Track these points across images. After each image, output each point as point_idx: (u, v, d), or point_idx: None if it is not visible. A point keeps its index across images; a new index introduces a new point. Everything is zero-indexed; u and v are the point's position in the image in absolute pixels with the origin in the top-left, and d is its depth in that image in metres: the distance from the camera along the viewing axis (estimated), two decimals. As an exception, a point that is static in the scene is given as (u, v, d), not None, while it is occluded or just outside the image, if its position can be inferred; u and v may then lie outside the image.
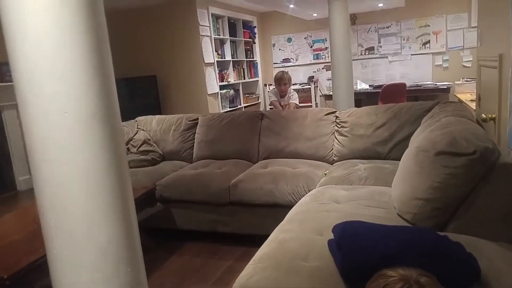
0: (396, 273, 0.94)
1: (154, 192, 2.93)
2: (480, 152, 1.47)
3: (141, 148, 3.52)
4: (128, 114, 4.15)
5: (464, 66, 6.42)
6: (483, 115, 2.00)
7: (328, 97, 7.01)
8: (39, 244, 1.54)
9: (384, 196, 1.97)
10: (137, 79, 5.78)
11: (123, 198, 1.44)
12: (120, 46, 5.84)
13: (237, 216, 2.75)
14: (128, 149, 3.51)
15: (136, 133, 3.69)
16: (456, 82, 5.88)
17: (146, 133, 3.71)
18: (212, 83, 5.98)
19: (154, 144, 3.62)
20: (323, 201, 2.02)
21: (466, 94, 4.64)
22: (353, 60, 5.55)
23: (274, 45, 8.05)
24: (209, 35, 5.94)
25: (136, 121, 3.91)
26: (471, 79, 5.53)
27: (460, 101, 4.11)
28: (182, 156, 3.54)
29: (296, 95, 4.33)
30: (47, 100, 1.27)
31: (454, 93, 5.52)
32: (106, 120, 1.36)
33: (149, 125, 3.78)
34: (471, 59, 6.28)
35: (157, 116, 3.89)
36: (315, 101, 7.26)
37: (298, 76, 7.64)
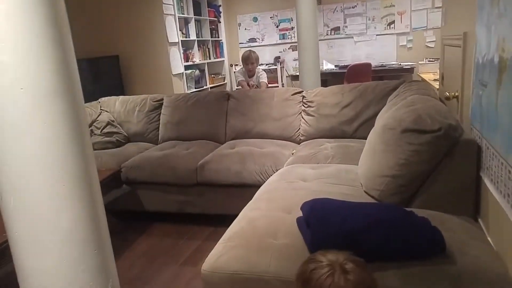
0: (324, 258, 0.94)
1: (120, 174, 2.84)
2: (444, 129, 1.50)
3: (105, 130, 3.38)
4: (91, 95, 3.96)
5: (428, 47, 6.57)
6: (447, 93, 2.05)
7: (295, 78, 7.02)
8: (1, 229, 1.47)
9: (350, 173, 1.99)
10: (100, 59, 5.51)
11: (87, 180, 1.38)
12: (81, 25, 5.54)
13: (205, 197, 2.71)
14: (91, 131, 3.37)
15: (100, 114, 3.53)
16: (420, 62, 6.02)
17: (110, 114, 3.56)
18: (177, 63, 5.81)
19: (118, 126, 3.48)
20: (290, 179, 2.01)
21: (429, 74, 4.77)
22: (319, 40, 5.54)
23: (239, 24, 7.89)
24: (173, 13, 5.72)
25: (99, 102, 3.73)
26: (434, 59, 5.68)
27: (424, 81, 4.22)
28: (147, 137, 3.43)
29: (264, 74, 4.28)
30: None
31: (418, 73, 5.67)
32: (66, 98, 1.29)
33: (113, 106, 3.62)
34: (435, 39, 6.43)
35: (121, 97, 3.73)
36: (282, 81, 7.24)
37: (264, 56, 7.56)
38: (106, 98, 3.77)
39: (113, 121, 3.48)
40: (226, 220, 1.74)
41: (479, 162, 1.52)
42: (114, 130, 3.42)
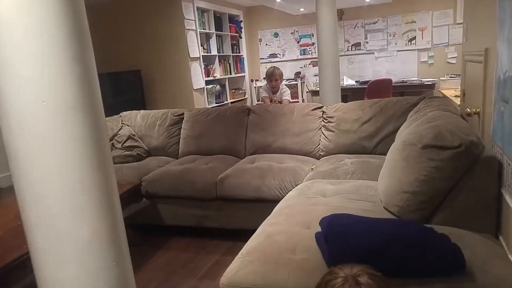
0: (341, 271, 0.96)
1: (140, 188, 2.91)
2: (465, 146, 1.50)
3: (126, 144, 3.49)
4: (112, 109, 4.10)
5: (449, 63, 6.53)
6: (468, 110, 2.05)
7: (315, 93, 7.05)
8: (23, 241, 1.49)
9: (370, 189, 1.99)
10: (122, 74, 5.70)
11: (107, 193, 1.42)
12: (104, 40, 5.75)
13: (224, 211, 2.75)
14: (112, 144, 3.47)
15: (121, 128, 3.64)
16: (441, 78, 5.97)
17: (131, 128, 3.67)
18: (198, 78, 5.94)
19: (139, 140, 3.58)
20: (310, 195, 2.03)
21: (451, 90, 4.72)
22: (340, 56, 5.59)
23: (260, 40, 8.03)
24: (195, 29, 5.88)
25: (121, 116, 3.86)
26: (455, 75, 5.63)
27: (445, 97, 4.19)
28: (167, 151, 3.51)
29: (288, 91, 4.34)
30: (22, 88, 1.22)
31: (439, 89, 5.61)
32: (87, 112, 1.33)
33: (134, 120, 3.73)
34: (456, 55, 6.39)
35: (142, 111, 3.85)
36: (302, 97, 7.28)
37: (285, 72, 7.62)
38: (128, 112, 3.89)
39: (134, 135, 3.58)
40: (244, 234, 1.77)
41: (500, 179, 1.51)
42: (135, 144, 3.52)
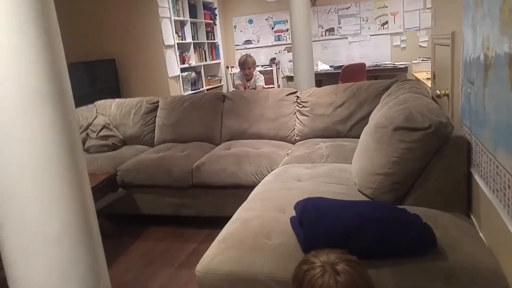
0: (317, 259, 0.94)
1: (116, 178, 2.82)
2: (435, 126, 1.50)
3: (101, 133, 3.37)
4: (87, 98, 3.95)
5: (421, 46, 6.59)
6: (437, 92, 2.05)
7: (290, 79, 7.02)
8: None
9: (344, 172, 1.98)
10: (96, 63, 5.49)
11: (77, 183, 1.37)
12: (78, 29, 5.52)
13: (200, 199, 2.70)
14: (87, 134, 3.36)
15: (95, 117, 3.52)
16: (413, 62, 6.04)
17: (106, 117, 3.54)
18: (173, 66, 5.80)
19: (114, 129, 3.47)
20: (285, 179, 2.01)
21: (423, 73, 4.78)
22: (314, 41, 5.55)
23: (235, 26, 7.89)
24: (169, 16, 5.72)
25: (95, 105, 3.72)
26: (427, 59, 5.69)
27: (417, 80, 4.23)
28: (143, 140, 3.42)
29: (262, 77, 4.29)
30: None
31: (411, 72, 5.67)
32: (56, 101, 1.28)
33: (109, 109, 3.61)
34: (427, 39, 6.45)
35: (116, 100, 3.72)
36: (277, 82, 7.24)
37: (260, 58, 7.56)
38: (102, 101, 3.75)
39: (109, 124, 3.46)
40: (222, 222, 1.73)
41: (469, 158, 1.52)
42: (110, 133, 3.41)
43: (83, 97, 4.07)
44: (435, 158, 1.53)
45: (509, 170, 1.06)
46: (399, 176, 1.57)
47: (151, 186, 2.76)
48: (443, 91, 2.01)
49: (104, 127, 3.42)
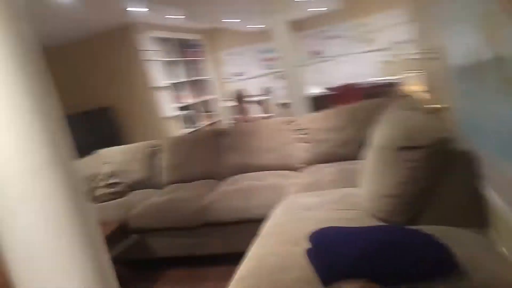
0: None
1: (127, 224, 2.80)
2: (438, 143, 1.49)
3: (108, 181, 3.38)
4: (89, 148, 3.96)
5: (410, 59, 6.64)
6: (435, 105, 2.06)
7: (285, 105, 7.08)
8: None
9: (354, 197, 1.96)
10: (93, 112, 5.57)
11: (90, 242, 1.37)
12: (71, 82, 5.64)
13: (213, 237, 2.66)
14: (95, 184, 3.36)
15: (101, 166, 3.53)
16: (405, 75, 6.08)
17: (111, 165, 3.56)
18: (169, 106, 5.87)
19: (120, 175, 3.47)
20: (295, 210, 1.98)
21: (416, 86, 4.81)
22: (304, 66, 5.64)
23: (225, 60, 8.05)
24: (159, 59, 5.83)
25: (99, 154, 3.74)
26: (418, 72, 5.74)
27: (411, 94, 4.26)
28: (150, 183, 3.41)
29: (257, 108, 4.34)
30: None
31: (405, 86, 5.71)
32: (59, 169, 1.29)
33: (113, 156, 3.62)
34: (415, 52, 6.51)
35: (120, 147, 3.74)
36: (273, 111, 7.30)
37: (253, 88, 7.67)
38: (105, 149, 3.77)
39: (114, 171, 3.47)
40: (237, 258, 1.71)
41: (478, 171, 1.50)
42: (117, 180, 3.41)
43: (85, 148, 4.10)
44: (444, 174, 1.51)
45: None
46: (409, 197, 1.55)
47: (163, 229, 2.74)
48: (441, 105, 2.02)
49: (110, 175, 3.43)
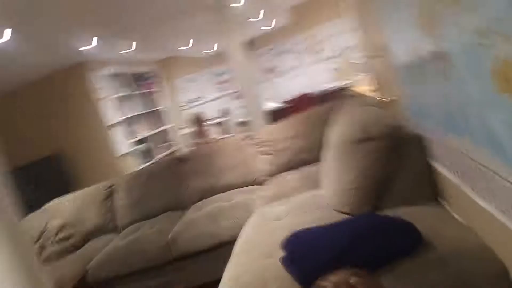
0: (328, 282, 0.97)
1: (86, 279, 2.67)
2: (389, 132, 1.63)
3: (59, 236, 3.22)
4: (37, 203, 3.75)
5: (358, 63, 7.04)
6: (384, 99, 2.21)
7: (244, 124, 7.20)
8: None
9: (319, 198, 2.04)
10: (40, 162, 5.32)
11: None
12: (16, 132, 5.41)
13: (187, 270, 2.63)
14: (42, 244, 3.18)
15: (47, 222, 3.36)
16: (354, 78, 6.42)
17: (61, 217, 3.38)
18: (124, 143, 5.76)
19: (72, 227, 3.30)
20: (264, 223, 2.02)
21: (365, 87, 5.07)
22: (259, 83, 5.84)
23: (179, 88, 8.13)
24: (110, 94, 5.74)
25: (45, 209, 3.54)
26: (366, 73, 6.08)
27: (361, 94, 4.47)
28: (108, 229, 3.29)
29: (214, 129, 4.39)
30: None
31: (354, 88, 6.02)
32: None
33: (62, 207, 3.46)
34: (359, 56, 6.92)
35: (68, 195, 3.58)
36: (232, 131, 7.39)
37: (211, 111, 7.76)
38: (52, 202, 3.59)
39: (66, 223, 3.31)
40: (217, 285, 1.69)
41: (428, 149, 1.63)
42: (69, 232, 3.26)
43: (32, 203, 3.89)
44: (399, 159, 1.63)
45: (464, 152, 1.16)
46: (370, 186, 1.65)
47: (129, 274, 2.66)
48: (390, 98, 2.17)
49: (60, 229, 3.26)
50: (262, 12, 6.00)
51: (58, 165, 5.52)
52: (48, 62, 4.93)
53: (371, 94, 3.76)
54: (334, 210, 1.79)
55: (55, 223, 3.31)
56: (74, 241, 3.20)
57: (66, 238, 3.20)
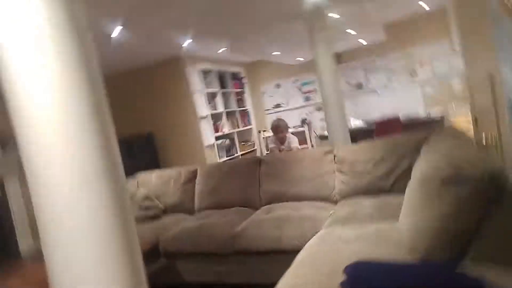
0: None
1: (158, 248, 2.86)
2: (487, 175, 1.43)
3: (143, 204, 3.48)
4: (127, 172, 4.10)
5: (455, 92, 6.47)
6: (483, 137, 2.00)
7: (323, 138, 7.07)
8: None
9: (392, 232, 1.89)
10: (135, 138, 5.85)
11: (131, 257, 1.43)
12: (117, 108, 5.98)
13: (243, 265, 2.65)
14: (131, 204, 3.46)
15: (137, 189, 3.66)
16: (448, 107, 5.92)
17: (146, 189, 3.67)
18: (208, 135, 6.06)
19: (155, 199, 3.57)
20: (331, 242, 1.95)
21: (461, 119, 4.66)
22: (344, 97, 5.66)
23: (263, 92, 8.24)
24: (201, 89, 6.10)
25: (136, 178, 3.88)
26: (463, 103, 5.58)
27: (456, 127, 4.12)
28: (183, 208, 3.48)
29: (295, 139, 4.39)
30: (52, 160, 1.32)
31: (449, 120, 5.56)
32: (110, 178, 1.38)
33: (149, 180, 3.75)
34: (459, 83, 6.34)
35: (156, 171, 3.88)
36: (311, 142, 7.31)
37: (291, 119, 7.74)
38: (142, 173, 3.91)
39: (149, 195, 3.57)
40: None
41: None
42: (151, 204, 3.50)
43: (125, 170, 4.26)
44: (493, 208, 1.44)
45: None
46: (453, 232, 1.48)
47: (193, 253, 2.77)
48: (490, 136, 1.96)
49: (145, 198, 3.53)
50: (356, 26, 5.82)
51: (152, 144, 6.01)
52: (153, 53, 5.39)
53: (470, 128, 3.44)
54: (407, 249, 1.66)
55: (142, 192, 3.57)
56: (154, 212, 3.42)
57: (148, 208, 3.44)
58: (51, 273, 1.36)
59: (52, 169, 1.31)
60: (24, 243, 4.95)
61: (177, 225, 3.04)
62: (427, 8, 5.98)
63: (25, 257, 4.84)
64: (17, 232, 4.92)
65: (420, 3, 5.61)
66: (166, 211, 3.52)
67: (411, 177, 2.06)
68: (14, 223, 4.92)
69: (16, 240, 4.91)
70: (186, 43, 5.07)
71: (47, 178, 1.31)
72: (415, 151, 2.62)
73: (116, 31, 3.93)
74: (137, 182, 3.78)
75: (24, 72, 1.30)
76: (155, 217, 3.39)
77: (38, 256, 1.49)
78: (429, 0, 5.55)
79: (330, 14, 4.83)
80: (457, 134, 2.25)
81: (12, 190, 4.93)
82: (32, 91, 1.30)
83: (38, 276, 2.28)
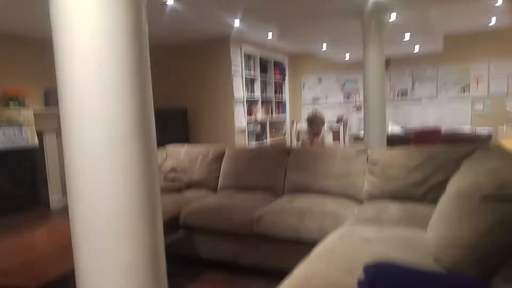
0: None
1: (178, 218, 2.92)
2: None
3: (168, 175, 3.55)
4: (159, 142, 4.22)
5: (508, 112, 6.16)
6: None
7: (357, 137, 6.94)
8: (68, 259, 1.58)
9: (418, 239, 1.84)
10: (169, 111, 5.97)
11: (152, 219, 1.46)
12: (156, 79, 6.12)
13: (260, 249, 2.66)
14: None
15: (165, 160, 3.73)
16: (499, 127, 5.63)
17: (174, 161, 3.74)
18: (240, 119, 6.08)
19: (181, 172, 3.63)
20: (352, 239, 1.91)
21: (511, 141, 4.42)
22: (386, 102, 5.50)
23: (304, 84, 8.15)
24: (240, 73, 6.10)
25: (166, 149, 3.96)
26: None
27: (504, 147, 3.92)
28: (207, 185, 3.53)
29: (330, 134, 4.33)
30: (86, 115, 1.35)
31: (498, 139, 5.29)
32: (141, 141, 1.41)
33: (178, 153, 3.81)
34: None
35: (186, 145, 3.94)
36: (344, 140, 7.19)
37: (327, 115, 7.63)
38: (173, 145, 3.99)
39: (176, 167, 3.64)
40: (278, 275, 1.69)
41: None
42: (177, 175, 3.57)
43: (157, 140, 4.38)
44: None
45: None
46: (487, 251, 1.41)
47: (212, 230, 2.81)
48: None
49: (172, 169, 3.60)
50: (415, 31, 5.62)
51: (185, 119, 6.11)
52: (202, 29, 5.42)
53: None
54: (432, 258, 1.61)
55: (170, 163, 3.65)
56: (178, 185, 3.49)
57: (173, 180, 3.52)
58: (72, 224, 1.41)
59: (87, 124, 1.34)
60: (54, 197, 5.24)
61: (198, 200, 3.09)
62: (494, 23, 5.68)
63: (54, 210, 5.09)
64: (49, 185, 5.22)
65: (493, 18, 5.34)
66: (190, 185, 3.58)
67: (447, 189, 1.98)
68: (47, 175, 5.19)
69: (48, 193, 5.21)
70: (237, 23, 5.07)
71: (81, 131, 1.35)
72: (454, 164, 2.51)
73: (171, 0, 3.99)
74: (166, 154, 3.86)
75: (71, 28, 1.32)
76: (179, 190, 3.47)
77: (65, 211, 1.56)
78: (501, 16, 5.27)
79: (392, 16, 4.68)
80: (504, 154, 2.13)
81: (49, 146, 5.18)
82: (77, 48, 1.32)
83: (63, 228, 2.43)
